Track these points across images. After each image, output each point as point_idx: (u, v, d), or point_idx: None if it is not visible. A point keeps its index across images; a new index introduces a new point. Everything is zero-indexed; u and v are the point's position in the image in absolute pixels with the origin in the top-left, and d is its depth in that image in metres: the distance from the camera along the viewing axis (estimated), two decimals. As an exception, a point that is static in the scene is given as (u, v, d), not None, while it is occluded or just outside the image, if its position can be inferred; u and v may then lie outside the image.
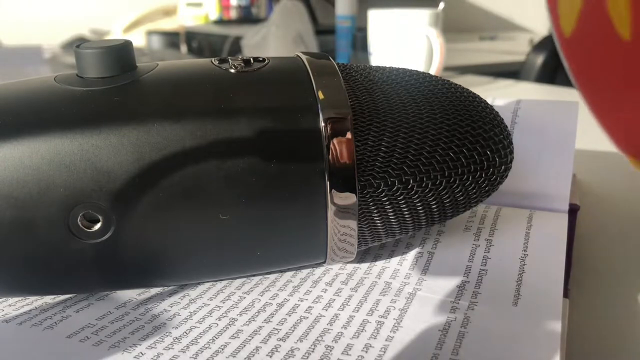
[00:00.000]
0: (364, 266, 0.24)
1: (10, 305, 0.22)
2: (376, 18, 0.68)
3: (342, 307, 0.21)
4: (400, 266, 0.24)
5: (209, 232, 0.20)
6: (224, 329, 0.20)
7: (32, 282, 0.21)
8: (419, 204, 0.22)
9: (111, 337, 0.20)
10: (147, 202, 0.19)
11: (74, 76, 0.21)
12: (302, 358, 0.18)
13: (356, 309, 0.21)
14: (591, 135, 0.48)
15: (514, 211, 0.28)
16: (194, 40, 1.16)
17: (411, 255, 0.25)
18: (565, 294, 0.22)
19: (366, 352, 0.19)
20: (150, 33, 1.24)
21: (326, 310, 0.21)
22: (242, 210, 0.20)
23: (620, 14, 0.13)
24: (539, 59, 1.00)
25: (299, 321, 0.20)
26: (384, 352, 0.19)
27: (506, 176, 0.23)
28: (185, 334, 0.20)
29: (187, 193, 0.19)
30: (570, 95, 0.71)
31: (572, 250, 0.26)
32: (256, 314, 0.21)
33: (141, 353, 0.19)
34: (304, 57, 0.22)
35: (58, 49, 1.09)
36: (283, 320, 0.21)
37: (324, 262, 0.22)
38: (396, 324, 0.20)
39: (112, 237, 0.19)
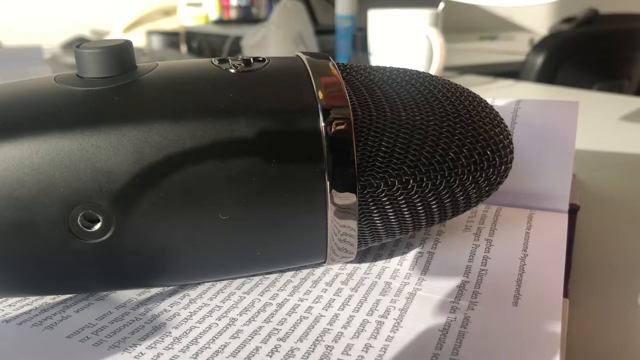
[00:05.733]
0: (364, 266, 0.24)
1: (10, 305, 0.22)
2: (376, 18, 0.68)
3: (342, 307, 0.21)
4: (400, 266, 0.24)
5: (209, 232, 0.20)
6: (224, 329, 0.20)
7: (32, 282, 0.21)
8: (419, 204, 0.22)
9: (111, 337, 0.20)
10: (147, 202, 0.19)
11: (74, 76, 0.21)
12: (302, 358, 0.18)
13: (356, 309, 0.21)
14: (591, 135, 0.48)
15: (514, 211, 0.28)
16: (194, 40, 1.16)
17: (411, 255, 0.25)
18: (565, 294, 0.22)
19: (366, 352, 0.19)
20: (150, 33, 1.24)
21: (326, 310, 0.21)
22: (242, 210, 0.20)
23: None
24: (539, 59, 1.00)
25: (299, 321, 0.20)
26: (384, 352, 0.19)
27: (506, 176, 0.23)
28: (185, 334, 0.20)
29: (187, 193, 0.19)
30: (570, 95, 0.71)
31: (572, 250, 0.26)
32: (256, 314, 0.21)
33: (141, 353, 0.19)
34: (304, 57, 0.22)
35: (58, 49, 1.09)
36: (283, 320, 0.21)
37: (324, 262, 0.22)
38: (396, 324, 0.20)
39: (112, 237, 0.19)
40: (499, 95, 0.41)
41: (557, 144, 0.30)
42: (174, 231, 0.20)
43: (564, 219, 0.28)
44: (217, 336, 0.20)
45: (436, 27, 0.65)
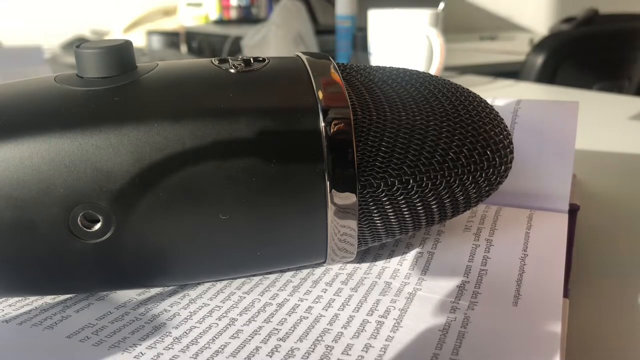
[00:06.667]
0: (364, 266, 0.24)
1: (10, 305, 0.22)
2: (376, 18, 0.68)
3: (342, 307, 0.21)
4: (400, 266, 0.24)
5: (209, 232, 0.20)
6: (224, 329, 0.20)
7: (32, 282, 0.21)
8: (419, 204, 0.22)
9: (111, 337, 0.20)
10: (147, 202, 0.19)
11: (74, 76, 0.21)
12: (302, 358, 0.18)
13: (356, 309, 0.21)
14: (591, 135, 0.48)
15: (514, 211, 0.28)
16: (194, 40, 1.16)
17: (411, 255, 0.25)
18: (565, 294, 0.22)
19: (366, 352, 0.19)
20: (150, 33, 1.24)
21: (326, 310, 0.21)
22: (242, 210, 0.20)
23: None
24: (539, 59, 1.00)
25: (299, 321, 0.20)
26: (384, 352, 0.19)
27: (506, 176, 0.23)
28: (185, 334, 0.20)
29: (187, 193, 0.19)
30: (570, 95, 0.71)
31: (572, 250, 0.26)
32: (256, 314, 0.21)
33: (141, 353, 0.19)
34: (304, 57, 0.22)
35: (58, 49, 1.09)
36: (283, 320, 0.21)
37: (324, 262, 0.22)
38: (396, 324, 0.20)
39: (112, 237, 0.19)
40: (499, 95, 0.41)
41: (557, 144, 0.30)
42: (174, 231, 0.20)
43: (564, 219, 0.28)
44: (217, 336, 0.20)
45: (436, 27, 0.65)
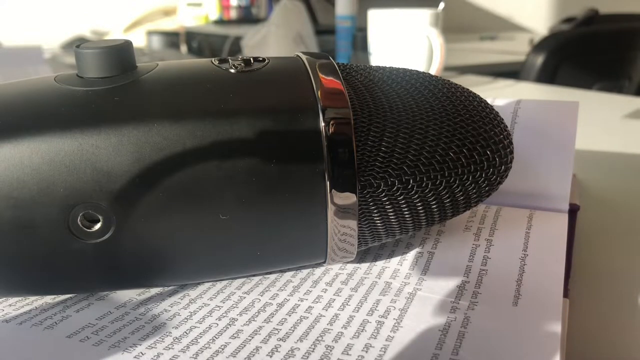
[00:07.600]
0: (364, 266, 0.24)
1: (10, 305, 0.22)
2: (376, 18, 0.68)
3: (342, 307, 0.21)
4: (400, 266, 0.24)
5: (209, 232, 0.20)
6: (224, 329, 0.20)
7: (32, 282, 0.21)
8: (419, 204, 0.22)
9: (111, 337, 0.20)
10: (147, 202, 0.19)
11: (74, 76, 0.21)
12: (302, 358, 0.18)
13: (356, 309, 0.21)
14: (591, 135, 0.48)
15: (514, 211, 0.28)
16: (194, 40, 1.16)
17: (411, 255, 0.25)
18: (565, 294, 0.22)
19: (366, 352, 0.19)
20: (150, 33, 1.24)
21: (326, 310, 0.21)
22: (242, 210, 0.20)
23: None
24: (539, 59, 1.00)
25: (299, 321, 0.20)
26: (384, 352, 0.19)
27: (506, 176, 0.23)
28: (185, 334, 0.20)
29: (187, 193, 0.19)
30: (570, 95, 0.71)
31: (572, 250, 0.26)
32: (256, 314, 0.21)
33: (141, 353, 0.19)
34: (304, 57, 0.22)
35: (58, 49, 1.09)
36: (283, 320, 0.21)
37: (324, 262, 0.22)
38: (396, 324, 0.20)
39: (112, 237, 0.19)
40: (499, 95, 0.41)
41: (557, 144, 0.30)
42: (174, 231, 0.20)
43: (564, 219, 0.28)
44: (217, 336, 0.20)
45: (436, 27, 0.65)
